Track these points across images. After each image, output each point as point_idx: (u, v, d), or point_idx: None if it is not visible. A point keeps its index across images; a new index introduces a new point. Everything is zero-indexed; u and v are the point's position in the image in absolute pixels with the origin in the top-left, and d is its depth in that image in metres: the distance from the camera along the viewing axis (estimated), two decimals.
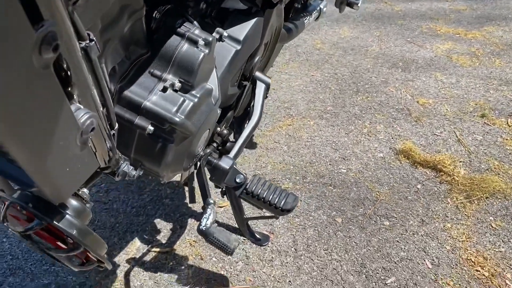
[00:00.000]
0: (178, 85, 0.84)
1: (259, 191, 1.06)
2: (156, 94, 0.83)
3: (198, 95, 0.86)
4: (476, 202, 1.54)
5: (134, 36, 0.77)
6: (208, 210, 0.96)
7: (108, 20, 0.65)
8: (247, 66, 1.14)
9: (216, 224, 1.07)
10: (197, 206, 1.47)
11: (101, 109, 0.56)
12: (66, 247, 0.56)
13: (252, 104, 1.21)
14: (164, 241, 1.33)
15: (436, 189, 1.59)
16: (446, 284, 1.26)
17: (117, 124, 0.67)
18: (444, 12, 3.25)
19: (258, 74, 1.22)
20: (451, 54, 2.56)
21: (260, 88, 1.21)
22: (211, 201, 0.98)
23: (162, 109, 0.82)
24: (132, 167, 0.72)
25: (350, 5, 1.57)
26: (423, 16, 3.21)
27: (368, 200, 1.53)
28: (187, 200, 1.50)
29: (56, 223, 0.54)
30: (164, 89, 0.83)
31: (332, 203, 1.51)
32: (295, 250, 1.33)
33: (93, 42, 0.50)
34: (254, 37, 1.07)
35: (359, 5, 1.56)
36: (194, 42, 0.85)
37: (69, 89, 0.46)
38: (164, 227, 1.38)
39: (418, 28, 2.96)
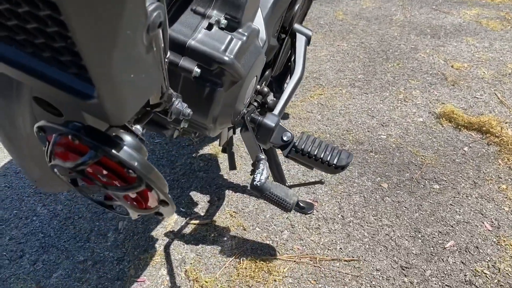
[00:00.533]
0: (224, 22, 0.75)
1: (310, 148, 0.97)
2: (200, 32, 0.74)
3: (246, 34, 0.77)
4: None
5: None
6: (261, 165, 0.87)
7: None
8: (287, 15, 1.05)
9: (272, 179, 0.98)
10: (234, 178, 1.39)
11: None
12: (126, 184, 0.48)
13: (293, 58, 1.11)
14: (202, 213, 1.25)
15: (484, 151, 1.49)
16: (510, 245, 1.16)
17: (168, 52, 0.58)
18: None
19: (297, 26, 1.12)
20: (480, 19, 2.44)
21: (300, 41, 1.12)
22: (263, 156, 0.90)
23: (209, 47, 0.73)
24: (186, 105, 0.63)
25: None
26: None
27: (413, 164, 1.43)
28: (222, 172, 1.41)
29: (116, 153, 0.45)
30: (209, 27, 0.74)
31: (375, 169, 1.42)
32: (342, 217, 1.24)
33: None
34: None
35: None
36: None
37: None
38: (201, 199, 1.30)
39: None
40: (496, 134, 1.55)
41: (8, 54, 0.41)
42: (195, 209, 1.27)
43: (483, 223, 1.23)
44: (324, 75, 1.93)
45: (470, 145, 1.52)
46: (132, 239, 1.18)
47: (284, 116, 1.67)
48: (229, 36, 0.75)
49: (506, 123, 1.61)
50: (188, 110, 0.64)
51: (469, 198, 1.31)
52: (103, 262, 1.11)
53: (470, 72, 1.94)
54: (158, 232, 1.20)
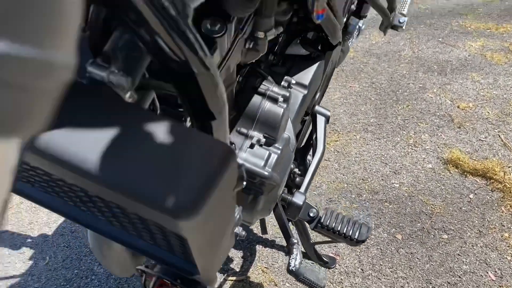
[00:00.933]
0: (263, 140, 0.91)
1: (334, 224, 1.13)
2: (245, 151, 0.90)
3: (280, 147, 0.93)
4: None
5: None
6: (294, 250, 1.04)
7: None
8: (310, 104, 1.21)
9: (304, 264, 1.14)
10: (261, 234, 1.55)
11: None
12: None
13: (314, 136, 1.27)
14: (237, 269, 1.42)
15: (488, 197, 1.64)
16: None
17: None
18: (471, 6, 3.25)
19: (318, 108, 1.28)
20: (484, 51, 2.58)
21: (321, 121, 1.28)
22: (295, 241, 1.06)
23: (253, 165, 0.89)
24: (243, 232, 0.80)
25: (395, 28, 1.62)
26: (451, 12, 3.21)
27: (423, 214, 1.59)
28: (253, 227, 1.57)
29: None
30: (252, 146, 0.91)
31: (390, 219, 1.57)
32: (362, 270, 1.40)
33: None
34: (317, 80, 1.14)
35: (403, 27, 1.61)
36: (274, 100, 0.93)
37: None
38: (235, 255, 1.47)
39: (447, 26, 2.97)
40: (499, 180, 1.70)
41: (114, 233, 0.58)
42: (231, 265, 1.43)
43: (487, 273, 1.38)
44: (339, 120, 2.09)
45: (475, 192, 1.67)
46: None
47: None
48: (267, 152, 0.91)
49: (509, 167, 1.76)
50: (244, 233, 0.81)
51: (474, 247, 1.46)
52: None
53: (475, 113, 2.09)
54: None
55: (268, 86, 0.94)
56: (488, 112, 2.07)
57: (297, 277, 1.02)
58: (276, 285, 1.36)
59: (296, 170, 1.22)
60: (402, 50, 2.69)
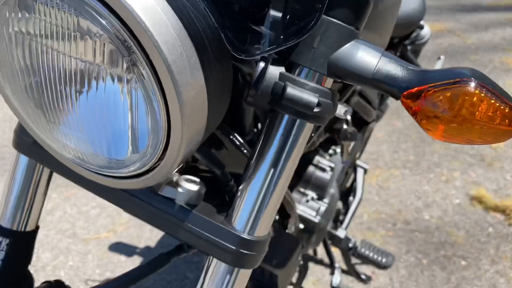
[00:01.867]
0: (315, 197, 1.34)
1: (366, 252, 1.54)
2: (303, 204, 1.34)
3: (327, 202, 1.36)
4: None
5: None
6: (336, 272, 1.47)
7: None
8: (352, 161, 1.63)
9: (343, 282, 1.56)
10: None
11: None
12: None
13: (355, 184, 1.68)
14: (294, 281, 1.85)
15: (505, 231, 1.97)
16: None
17: None
18: None
19: (359, 162, 1.69)
20: None
21: (360, 173, 1.69)
22: (337, 265, 1.49)
23: (308, 215, 1.32)
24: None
25: None
26: (495, 48, 3.47)
27: (447, 243, 1.94)
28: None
29: None
30: (307, 201, 1.34)
31: (418, 247, 1.95)
32: (391, 286, 1.79)
33: None
34: (356, 147, 1.55)
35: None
36: (323, 170, 1.35)
37: None
38: None
39: (490, 63, 3.24)
40: None
41: None
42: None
43: None
44: (381, 157, 2.47)
45: (494, 226, 2.00)
46: None
47: None
48: (318, 205, 1.34)
49: None
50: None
51: (487, 273, 1.80)
52: None
53: (504, 152, 2.39)
54: None
55: (319, 159, 1.37)
56: None
57: None
58: None
59: (341, 208, 1.63)
60: None
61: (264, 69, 0.52)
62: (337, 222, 1.64)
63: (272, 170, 0.57)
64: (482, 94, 0.48)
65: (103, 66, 0.42)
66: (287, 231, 1.18)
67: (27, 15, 0.43)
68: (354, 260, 1.68)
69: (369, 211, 2.14)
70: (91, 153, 0.49)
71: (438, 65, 2.06)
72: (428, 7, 3.79)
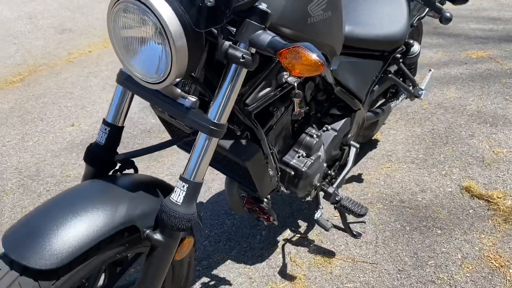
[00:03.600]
0: (304, 154, 1.95)
1: (348, 204, 2.10)
2: (295, 158, 1.95)
3: (313, 158, 1.95)
4: (510, 223, 2.30)
5: (288, 136, 1.92)
6: (319, 211, 2.05)
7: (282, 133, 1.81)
8: (343, 140, 2.21)
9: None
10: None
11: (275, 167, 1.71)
12: (263, 213, 1.70)
13: (348, 159, 2.25)
14: (302, 231, 2.44)
15: (483, 213, 2.39)
16: (467, 267, 2.10)
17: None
18: None
19: (351, 142, 2.26)
20: None
21: (352, 150, 2.26)
22: (321, 207, 2.07)
23: (298, 165, 1.93)
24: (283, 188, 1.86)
25: (417, 97, 2.51)
26: None
27: (430, 218, 2.41)
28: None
29: (262, 205, 1.68)
30: (299, 156, 1.95)
31: (405, 218, 2.44)
32: (376, 242, 2.31)
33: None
34: (345, 128, 2.14)
35: (422, 97, 2.48)
36: (311, 136, 1.96)
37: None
38: (303, 224, 2.49)
39: None
40: (497, 204, 2.43)
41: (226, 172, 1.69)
42: (300, 229, 2.46)
43: (457, 254, 2.18)
44: (395, 153, 2.97)
45: (475, 209, 2.43)
46: (272, 239, 2.42)
47: (361, 180, 2.77)
48: (306, 160, 1.94)
49: (510, 196, 2.47)
50: (285, 190, 1.87)
51: (456, 240, 2.25)
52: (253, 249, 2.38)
53: (505, 157, 2.79)
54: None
55: (310, 129, 1.97)
56: None
57: (317, 222, 2.03)
58: (322, 242, 2.35)
59: (333, 174, 2.21)
60: (469, 104, 3.42)
61: (223, 42, 1.20)
62: (330, 183, 2.22)
63: (228, 88, 1.23)
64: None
65: (149, 33, 1.13)
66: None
67: (124, 14, 1.16)
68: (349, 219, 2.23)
69: (373, 191, 2.67)
70: (144, 74, 1.21)
71: (428, 77, 2.57)
72: (475, 37, 4.45)
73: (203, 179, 1.32)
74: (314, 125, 2.01)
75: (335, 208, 2.19)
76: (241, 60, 1.17)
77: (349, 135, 2.23)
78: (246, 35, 1.17)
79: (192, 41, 1.13)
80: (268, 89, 1.51)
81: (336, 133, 2.10)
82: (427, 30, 4.51)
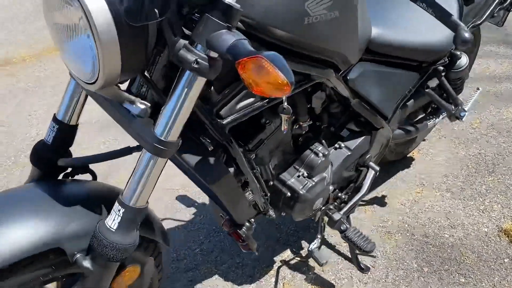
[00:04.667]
0: (305, 174, 1.67)
1: (354, 238, 1.80)
2: (294, 178, 1.68)
3: (315, 180, 1.67)
4: None
5: (288, 151, 1.64)
6: (316, 241, 1.77)
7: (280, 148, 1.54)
8: (360, 160, 1.90)
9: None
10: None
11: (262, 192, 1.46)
12: (241, 240, 1.46)
13: (363, 182, 1.94)
14: (305, 247, 2.17)
15: None
16: None
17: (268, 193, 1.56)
18: None
19: (371, 163, 1.95)
20: None
21: (370, 173, 1.94)
22: (319, 236, 1.79)
23: (296, 186, 1.66)
24: (274, 212, 1.60)
25: (457, 119, 2.12)
26: None
27: (455, 261, 2.06)
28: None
29: (239, 231, 1.44)
30: (298, 176, 1.68)
31: (426, 257, 2.10)
32: (385, 280, 2.00)
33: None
34: (362, 147, 1.82)
35: (463, 120, 2.10)
36: (317, 154, 1.67)
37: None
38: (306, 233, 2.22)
39: None
40: None
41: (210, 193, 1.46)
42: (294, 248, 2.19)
43: None
44: (430, 178, 2.60)
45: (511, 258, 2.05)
46: (268, 258, 2.18)
47: (383, 203, 2.44)
48: (306, 181, 1.66)
49: None
50: (274, 214, 1.60)
51: None
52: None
53: None
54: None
55: (317, 146, 1.69)
56: None
57: (311, 253, 1.75)
58: (323, 271, 2.07)
59: (344, 197, 1.91)
60: None
61: (176, 40, 0.95)
62: (338, 207, 1.92)
63: (179, 99, 0.99)
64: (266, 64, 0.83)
65: (73, 22, 0.90)
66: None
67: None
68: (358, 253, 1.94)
69: (395, 218, 2.34)
70: (75, 71, 0.98)
71: (475, 96, 2.17)
72: None
73: (147, 202, 1.09)
74: (323, 141, 1.72)
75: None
76: (194, 65, 0.92)
77: (368, 156, 1.91)
78: (204, 34, 0.91)
79: (127, 36, 0.89)
80: (251, 99, 1.24)
81: (349, 153, 1.80)
82: (495, 37, 4.00)
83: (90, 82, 0.96)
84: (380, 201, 2.45)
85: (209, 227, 2.36)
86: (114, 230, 1.05)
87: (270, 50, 1.04)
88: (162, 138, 1.00)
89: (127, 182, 1.06)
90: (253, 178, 1.41)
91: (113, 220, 1.06)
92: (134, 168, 1.06)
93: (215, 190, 1.28)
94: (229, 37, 0.89)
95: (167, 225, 2.38)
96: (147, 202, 1.09)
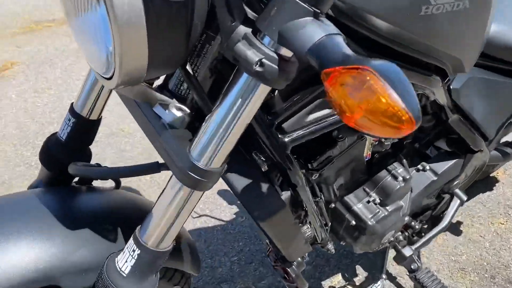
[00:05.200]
0: (377, 201, 1.33)
1: (425, 281, 1.46)
2: (363, 203, 1.35)
3: (389, 210, 1.33)
4: None
5: (358, 169, 1.31)
6: (379, 282, 1.44)
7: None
8: (445, 187, 1.53)
9: None
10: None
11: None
12: (289, 279, 1.16)
13: (445, 212, 1.58)
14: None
15: None
16: None
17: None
18: None
19: (457, 191, 1.57)
20: None
21: (455, 202, 1.57)
22: (384, 276, 1.45)
23: (363, 214, 1.33)
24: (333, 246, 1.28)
25: None
26: None
27: None
28: None
29: (287, 269, 1.14)
30: (368, 202, 1.34)
31: None
32: None
33: None
34: (451, 172, 1.45)
35: None
36: (395, 178, 1.33)
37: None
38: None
39: None
40: None
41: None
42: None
43: None
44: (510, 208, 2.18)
45: None
46: (316, 279, 1.88)
47: (457, 232, 2.05)
48: (377, 210, 1.33)
49: None
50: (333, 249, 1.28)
51: None
52: None
53: None
54: None
55: (396, 167, 1.34)
56: None
57: None
58: None
59: (417, 227, 1.55)
60: None
61: (234, 27, 0.63)
62: (409, 239, 1.58)
63: (227, 117, 0.67)
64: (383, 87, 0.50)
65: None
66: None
67: None
68: None
69: (471, 253, 1.95)
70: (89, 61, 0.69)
71: None
72: None
73: (171, 244, 0.80)
74: (404, 160, 1.37)
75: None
76: (256, 67, 0.60)
77: (456, 182, 1.54)
78: (277, 22, 0.59)
79: (160, 13, 0.58)
80: (326, 111, 0.91)
81: (435, 178, 1.44)
82: None
83: (105, 76, 0.66)
84: (454, 229, 2.07)
85: (251, 232, 2.08)
86: (125, 275, 0.78)
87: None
88: (200, 165, 0.69)
89: (149, 213, 0.77)
90: (315, 209, 1.09)
91: (125, 260, 0.78)
92: (160, 195, 0.76)
93: (265, 228, 0.97)
94: (314, 30, 0.56)
95: (204, 222, 2.13)
96: (174, 241, 0.80)
